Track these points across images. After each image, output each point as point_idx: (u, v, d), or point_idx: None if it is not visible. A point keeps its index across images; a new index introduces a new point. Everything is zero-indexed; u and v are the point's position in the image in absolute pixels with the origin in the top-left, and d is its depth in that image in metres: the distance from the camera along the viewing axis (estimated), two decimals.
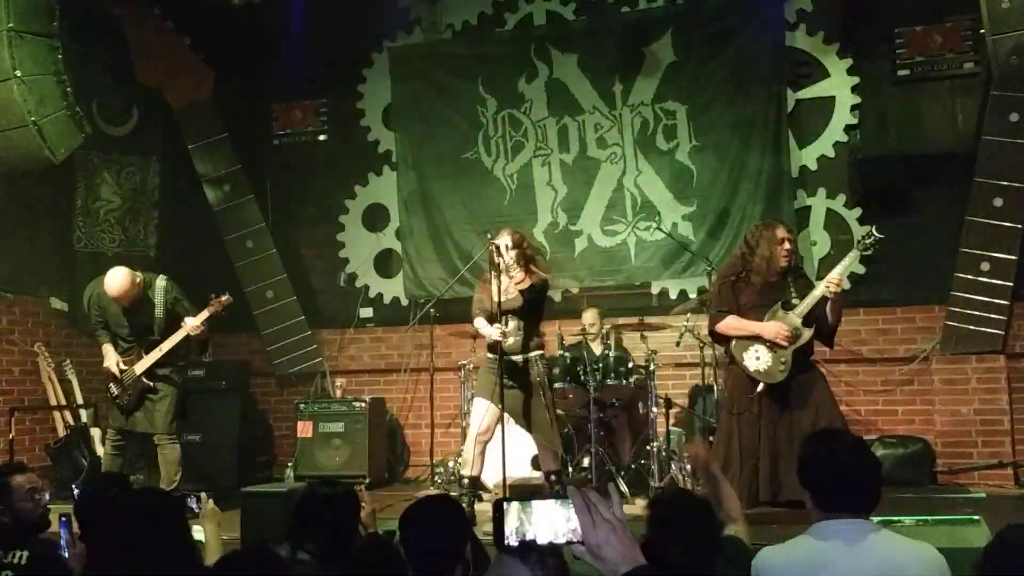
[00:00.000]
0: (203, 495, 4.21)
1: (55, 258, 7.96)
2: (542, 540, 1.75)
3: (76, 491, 5.29)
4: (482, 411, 5.96)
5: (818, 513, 2.72)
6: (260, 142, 8.86)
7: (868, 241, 5.37)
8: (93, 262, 8.06)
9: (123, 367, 6.21)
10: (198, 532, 3.99)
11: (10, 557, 3.43)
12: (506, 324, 5.83)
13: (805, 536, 2.72)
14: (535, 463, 6.48)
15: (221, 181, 8.24)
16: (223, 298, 6.26)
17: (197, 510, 4.12)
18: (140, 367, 6.18)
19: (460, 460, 6.73)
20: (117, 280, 6.08)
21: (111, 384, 6.29)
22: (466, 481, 5.97)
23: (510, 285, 5.89)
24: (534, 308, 5.99)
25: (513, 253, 5.86)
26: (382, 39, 8.66)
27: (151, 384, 6.22)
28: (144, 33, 7.83)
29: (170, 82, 7.99)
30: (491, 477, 6.25)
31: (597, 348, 7.09)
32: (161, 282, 6.27)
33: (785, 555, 2.71)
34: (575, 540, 1.73)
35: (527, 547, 1.85)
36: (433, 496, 4.40)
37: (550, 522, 1.75)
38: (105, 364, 6.30)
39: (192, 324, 6.13)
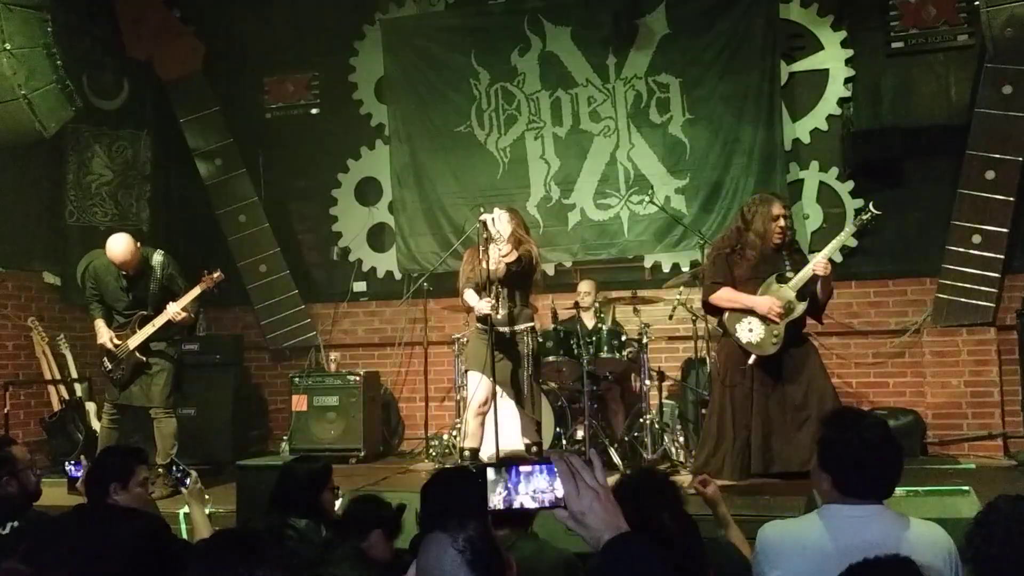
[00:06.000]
0: (193, 473, 4.26)
1: (47, 232, 7.94)
2: (528, 506, 1.77)
3: (70, 465, 5.35)
4: (477, 384, 6.00)
5: (833, 494, 2.63)
6: (252, 115, 8.80)
7: (864, 217, 5.37)
8: (85, 236, 8.04)
9: (117, 342, 6.20)
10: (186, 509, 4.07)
11: (8, 528, 3.49)
12: (495, 296, 5.85)
13: (815, 516, 2.67)
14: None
15: (213, 155, 8.22)
16: (215, 275, 6.22)
17: (185, 485, 4.18)
18: (133, 342, 6.17)
19: (458, 432, 6.78)
20: (120, 245, 6.06)
21: (105, 358, 6.28)
22: (467, 453, 6.04)
23: (497, 257, 5.92)
24: (522, 280, 6.03)
25: (505, 226, 5.90)
26: (374, 11, 8.60)
27: (145, 359, 6.21)
28: (134, 6, 7.78)
29: (160, 55, 7.94)
30: (484, 450, 6.29)
31: (590, 321, 7.12)
32: (158, 257, 6.26)
33: (794, 534, 2.66)
34: (559, 506, 1.75)
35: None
36: (451, 468, 4.45)
37: (535, 488, 1.77)
38: (99, 340, 6.29)
39: (173, 310, 6.10)
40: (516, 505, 1.76)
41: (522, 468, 1.78)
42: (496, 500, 1.76)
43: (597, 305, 7.18)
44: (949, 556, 2.55)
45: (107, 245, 6.11)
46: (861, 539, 2.48)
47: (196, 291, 6.17)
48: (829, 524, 2.60)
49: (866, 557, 2.06)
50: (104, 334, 6.24)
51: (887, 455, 2.62)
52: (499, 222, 5.90)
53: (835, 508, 2.61)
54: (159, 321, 6.14)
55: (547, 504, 1.76)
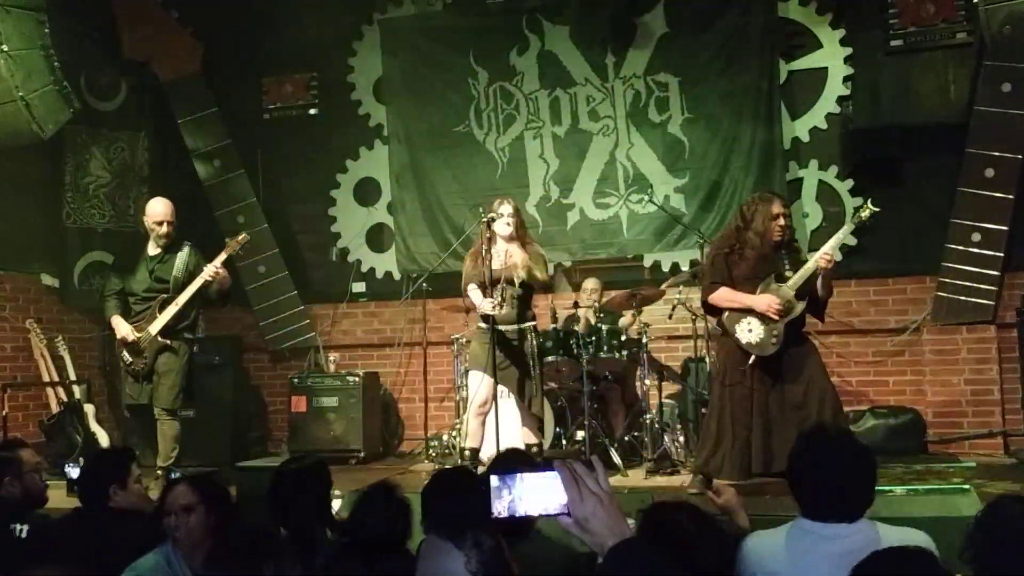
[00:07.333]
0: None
1: (45, 234, 7.92)
2: (532, 513, 1.76)
3: (69, 467, 5.35)
4: (479, 384, 5.98)
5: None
6: (250, 116, 8.78)
7: (863, 215, 5.35)
8: (83, 238, 8.04)
9: (138, 334, 6.17)
10: None
11: (17, 531, 3.50)
12: (501, 294, 5.85)
13: (791, 525, 2.69)
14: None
15: (211, 156, 8.21)
16: (240, 237, 6.27)
17: None
18: (155, 327, 6.13)
19: (458, 433, 6.77)
20: (163, 200, 6.28)
21: (124, 352, 6.24)
22: (467, 453, 6.03)
23: (507, 254, 5.93)
24: (529, 278, 6.02)
25: (512, 221, 5.93)
26: (372, 12, 8.59)
27: (167, 342, 6.16)
28: (131, 6, 7.76)
29: (158, 56, 7.93)
30: (484, 451, 6.28)
31: (590, 320, 7.10)
32: (186, 247, 6.30)
33: (770, 542, 2.70)
34: (563, 513, 1.75)
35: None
36: (452, 469, 4.42)
37: (538, 495, 1.76)
38: (119, 336, 6.23)
39: (210, 269, 6.11)
40: (520, 512, 1.76)
41: (525, 475, 1.77)
42: (499, 508, 1.76)
43: (597, 305, 7.18)
44: None
45: (150, 204, 6.30)
46: (832, 546, 2.50)
47: (223, 255, 6.19)
48: (793, 540, 2.63)
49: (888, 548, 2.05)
50: (123, 328, 6.20)
51: (853, 478, 2.60)
52: (504, 219, 5.92)
53: (805, 523, 2.62)
54: (191, 289, 6.12)
55: (551, 511, 1.76)
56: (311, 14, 8.41)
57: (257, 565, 2.00)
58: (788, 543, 2.64)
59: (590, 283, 7.31)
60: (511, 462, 3.24)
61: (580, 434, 6.66)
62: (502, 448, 5.85)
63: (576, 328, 6.88)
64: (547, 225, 8.08)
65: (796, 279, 5.37)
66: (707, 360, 6.81)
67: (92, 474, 3.88)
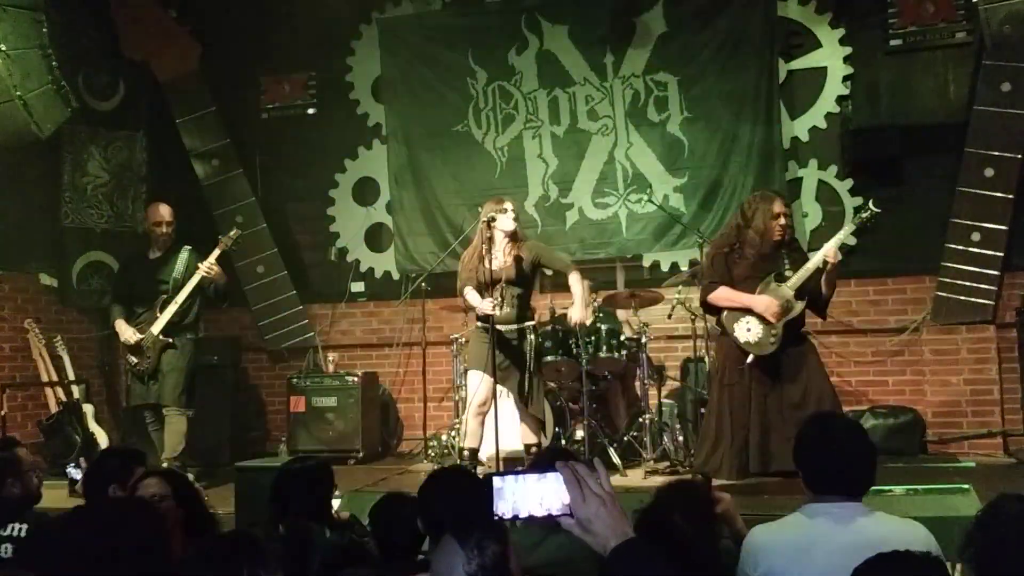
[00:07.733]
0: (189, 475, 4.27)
1: (43, 234, 7.91)
2: (535, 514, 1.76)
3: (71, 468, 5.36)
4: (477, 383, 5.98)
5: (810, 494, 2.74)
6: (248, 116, 8.78)
7: (864, 215, 5.35)
8: (81, 238, 8.04)
9: (140, 335, 6.28)
10: None
11: (9, 530, 3.50)
12: (500, 294, 5.84)
13: (796, 515, 2.73)
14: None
15: (210, 155, 8.20)
16: (232, 233, 6.43)
17: None
18: (157, 327, 6.28)
19: (456, 433, 6.76)
20: (161, 204, 6.61)
21: (129, 355, 6.33)
22: (466, 453, 6.02)
23: (506, 253, 5.93)
24: (525, 280, 6.02)
25: (512, 221, 5.93)
26: (371, 11, 8.58)
27: (171, 340, 6.30)
28: (130, 6, 7.75)
29: (156, 56, 7.91)
30: (483, 450, 6.28)
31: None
32: (186, 250, 6.47)
33: (775, 534, 2.73)
34: (566, 514, 1.75)
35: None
36: (448, 468, 4.42)
37: (541, 496, 1.76)
38: (122, 339, 6.37)
39: (204, 266, 6.26)
40: (523, 514, 1.76)
41: (528, 476, 1.78)
42: (503, 508, 1.76)
43: (596, 304, 7.16)
44: (927, 548, 2.56)
45: (149, 207, 6.64)
46: (838, 532, 2.60)
47: (216, 252, 6.34)
48: (805, 521, 2.70)
49: (882, 552, 2.06)
50: (126, 331, 6.33)
51: (856, 452, 2.73)
52: (508, 214, 5.93)
53: (813, 507, 2.71)
54: (189, 286, 6.27)
55: (553, 512, 1.76)
56: (309, 13, 8.40)
57: (233, 567, 2.00)
58: (792, 531, 2.70)
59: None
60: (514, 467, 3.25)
61: (580, 434, 6.65)
62: (501, 449, 5.85)
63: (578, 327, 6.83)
64: (546, 225, 8.07)
65: (796, 279, 5.36)
66: (706, 360, 6.80)
67: (96, 471, 3.89)
